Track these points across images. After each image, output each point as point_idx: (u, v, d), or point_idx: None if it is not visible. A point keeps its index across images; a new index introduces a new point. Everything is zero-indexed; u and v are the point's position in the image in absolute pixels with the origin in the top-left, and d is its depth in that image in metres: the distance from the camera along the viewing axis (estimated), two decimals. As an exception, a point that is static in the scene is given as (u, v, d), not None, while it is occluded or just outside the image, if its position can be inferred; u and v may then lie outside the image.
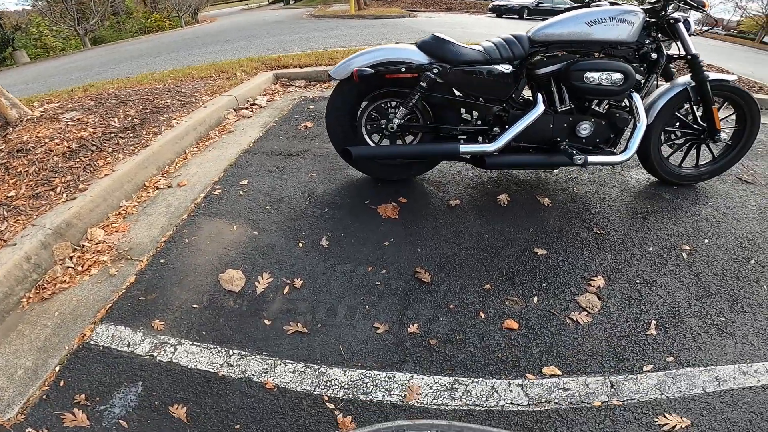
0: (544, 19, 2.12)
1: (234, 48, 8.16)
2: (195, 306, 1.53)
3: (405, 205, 2.13)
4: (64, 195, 2.12)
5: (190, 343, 1.40)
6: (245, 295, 1.58)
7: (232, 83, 3.79)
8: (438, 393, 1.29)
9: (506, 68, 2.02)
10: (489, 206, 2.16)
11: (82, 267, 1.76)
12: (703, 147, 2.47)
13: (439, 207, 2.14)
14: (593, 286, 1.67)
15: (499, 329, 1.49)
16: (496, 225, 2.00)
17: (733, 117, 2.44)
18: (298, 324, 1.47)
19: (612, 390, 1.30)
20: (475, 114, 2.19)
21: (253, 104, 3.49)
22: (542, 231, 1.97)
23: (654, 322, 1.54)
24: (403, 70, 1.93)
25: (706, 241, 2.01)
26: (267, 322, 1.48)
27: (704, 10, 2.13)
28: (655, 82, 2.30)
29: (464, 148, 2.04)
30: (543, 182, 2.40)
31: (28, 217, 1.97)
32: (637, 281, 1.72)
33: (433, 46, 1.98)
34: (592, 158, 2.10)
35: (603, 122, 2.15)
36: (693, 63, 2.18)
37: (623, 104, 2.20)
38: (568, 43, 2.05)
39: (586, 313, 1.56)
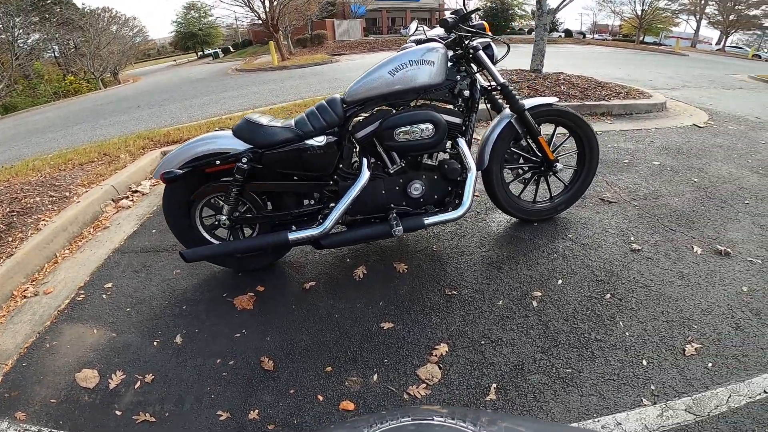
0: None
1: (141, 117, 7.98)
2: (53, 400, 1.62)
3: (262, 294, 2.13)
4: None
5: (49, 430, 1.52)
6: (99, 391, 1.65)
7: (114, 168, 3.65)
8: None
9: (320, 140, 1.85)
10: (344, 283, 2.18)
11: (-47, 372, 1.87)
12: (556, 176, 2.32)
13: (295, 291, 2.15)
14: (435, 356, 1.67)
15: (336, 410, 1.51)
16: (347, 303, 2.02)
17: (572, 139, 2.35)
18: (147, 414, 1.53)
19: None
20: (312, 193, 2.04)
21: (136, 191, 3.38)
22: (393, 302, 2.00)
23: (494, 385, 1.52)
24: (218, 162, 1.81)
25: (560, 282, 2.00)
26: (118, 413, 1.55)
27: (486, 34, 1.97)
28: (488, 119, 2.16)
29: (293, 235, 1.90)
30: (403, 245, 2.44)
31: None
32: (482, 342, 1.70)
33: (245, 130, 1.85)
34: (428, 220, 1.98)
35: (435, 176, 1.99)
36: (504, 93, 2.06)
37: (456, 152, 2.02)
38: (382, 97, 1.86)
39: (425, 385, 1.56)
